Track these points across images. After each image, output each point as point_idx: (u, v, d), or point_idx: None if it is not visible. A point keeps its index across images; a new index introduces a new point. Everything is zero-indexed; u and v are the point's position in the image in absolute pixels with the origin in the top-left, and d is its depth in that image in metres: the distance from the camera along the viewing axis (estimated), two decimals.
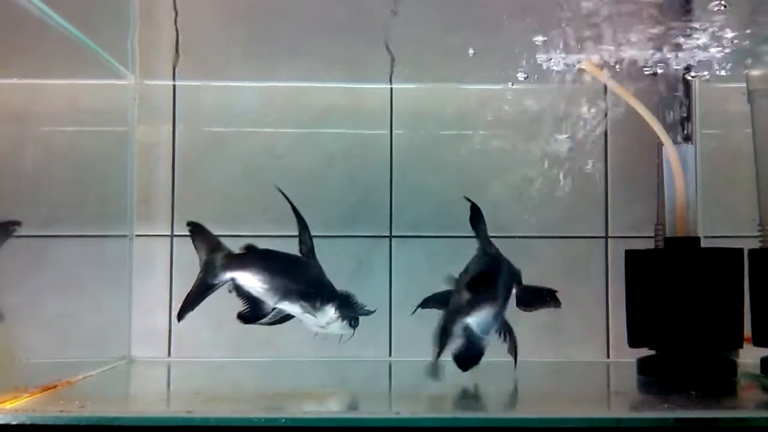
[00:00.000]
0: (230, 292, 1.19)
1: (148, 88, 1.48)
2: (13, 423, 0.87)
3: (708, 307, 1.19)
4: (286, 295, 1.18)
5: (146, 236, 1.47)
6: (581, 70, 1.30)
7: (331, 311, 1.18)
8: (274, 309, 1.18)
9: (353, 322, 1.19)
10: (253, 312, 1.18)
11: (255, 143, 1.49)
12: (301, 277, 1.19)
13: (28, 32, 1.09)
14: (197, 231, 1.22)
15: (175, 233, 1.48)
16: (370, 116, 1.49)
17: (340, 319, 1.18)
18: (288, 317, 1.20)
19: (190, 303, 1.18)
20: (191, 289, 1.19)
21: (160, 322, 1.45)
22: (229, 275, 1.18)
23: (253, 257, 1.19)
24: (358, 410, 0.93)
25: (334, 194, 1.48)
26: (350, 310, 1.19)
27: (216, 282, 1.18)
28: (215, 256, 1.19)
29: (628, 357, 1.29)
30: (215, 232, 1.47)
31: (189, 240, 1.45)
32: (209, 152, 1.49)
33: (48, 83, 1.25)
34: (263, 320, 1.18)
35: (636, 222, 1.46)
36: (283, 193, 1.22)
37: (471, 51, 1.31)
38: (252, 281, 1.18)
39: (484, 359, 1.10)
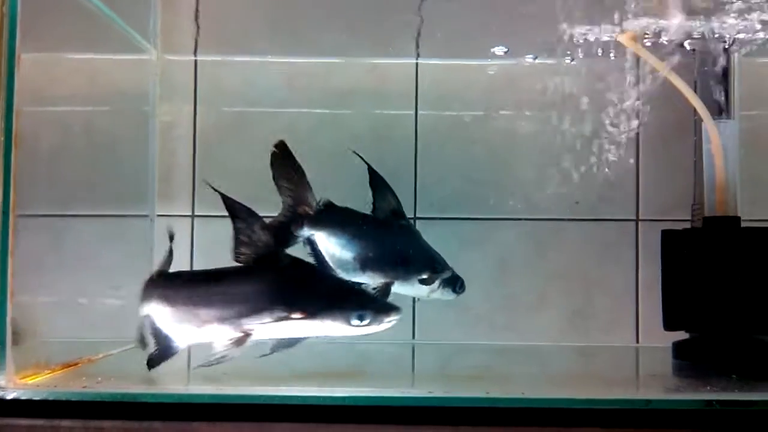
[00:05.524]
0: None
1: (170, 64, 1.46)
2: (36, 398, 0.85)
3: (749, 288, 1.15)
4: None
5: (167, 216, 1.45)
6: (615, 44, 1.26)
7: None
8: None
9: None
10: None
11: (278, 123, 1.46)
12: None
13: (50, 2, 1.07)
14: None
15: (195, 214, 1.46)
16: (395, 94, 1.46)
17: None
18: None
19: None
20: None
21: None
22: None
23: None
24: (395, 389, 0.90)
25: (358, 175, 1.44)
26: None
27: None
28: None
29: (658, 342, 1.26)
30: None
31: (209, 221, 1.44)
32: (231, 132, 1.46)
33: (68, 57, 1.22)
34: None
35: (667, 205, 1.42)
36: None
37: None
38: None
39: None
